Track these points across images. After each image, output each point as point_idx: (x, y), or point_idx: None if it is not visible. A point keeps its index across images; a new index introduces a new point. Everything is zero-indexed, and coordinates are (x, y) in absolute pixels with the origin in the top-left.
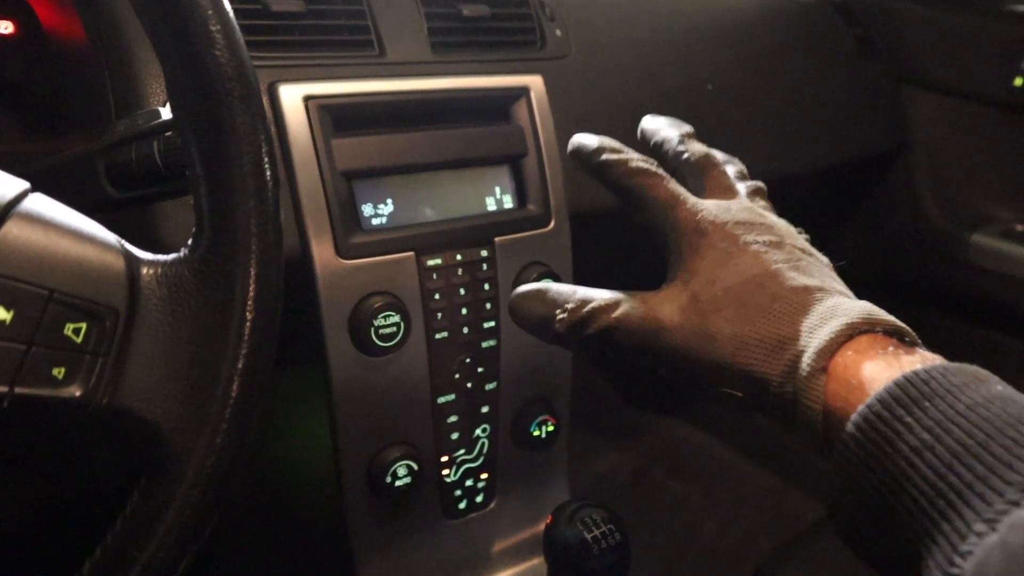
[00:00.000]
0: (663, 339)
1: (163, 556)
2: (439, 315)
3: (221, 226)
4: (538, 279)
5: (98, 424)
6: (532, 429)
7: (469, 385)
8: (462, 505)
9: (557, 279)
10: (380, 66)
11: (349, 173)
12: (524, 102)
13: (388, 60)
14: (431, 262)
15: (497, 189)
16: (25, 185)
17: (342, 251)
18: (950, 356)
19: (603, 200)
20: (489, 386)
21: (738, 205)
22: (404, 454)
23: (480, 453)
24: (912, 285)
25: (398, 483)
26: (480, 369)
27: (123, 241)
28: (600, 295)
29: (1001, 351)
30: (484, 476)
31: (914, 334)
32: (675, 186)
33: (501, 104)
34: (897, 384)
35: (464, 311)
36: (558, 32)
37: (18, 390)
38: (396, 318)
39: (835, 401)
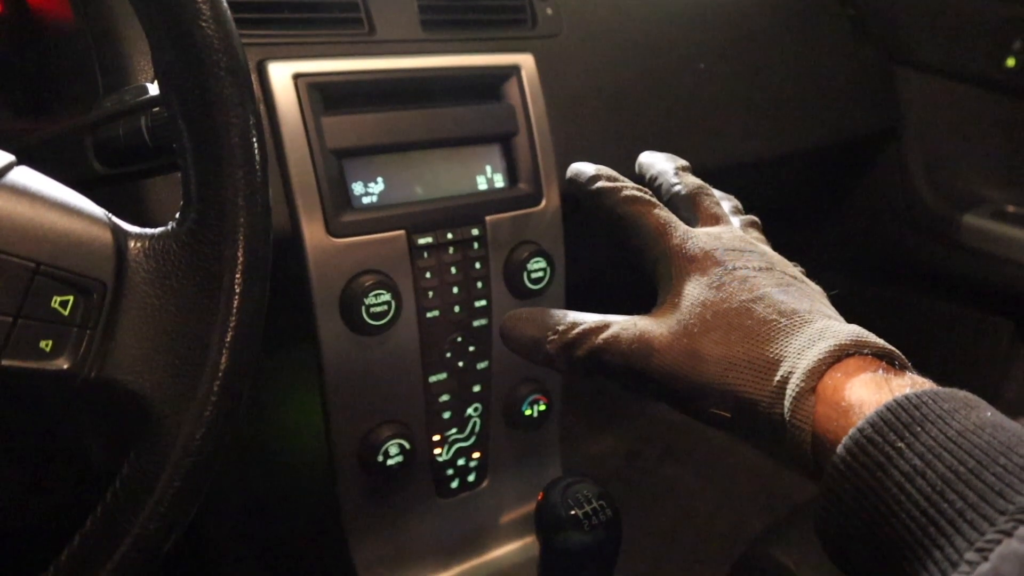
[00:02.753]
0: (652, 361)
1: (153, 527)
2: (430, 294)
3: (208, 199)
4: (529, 258)
5: (86, 397)
6: (524, 408)
7: (461, 364)
8: (454, 484)
9: (548, 258)
10: (370, 44)
11: (339, 151)
12: (515, 81)
13: (378, 38)
14: (422, 240)
15: (488, 168)
16: (10, 158)
17: (332, 229)
18: (942, 336)
19: None
20: (481, 365)
21: (729, 234)
22: (396, 433)
23: (472, 432)
24: (904, 266)
25: (390, 462)
26: (472, 348)
27: (110, 214)
28: (590, 317)
29: (992, 331)
30: (476, 455)
31: (903, 357)
32: (667, 214)
33: (492, 83)
34: (888, 408)
35: (455, 290)
36: (549, 11)
37: (5, 362)
38: (387, 296)
39: (824, 423)
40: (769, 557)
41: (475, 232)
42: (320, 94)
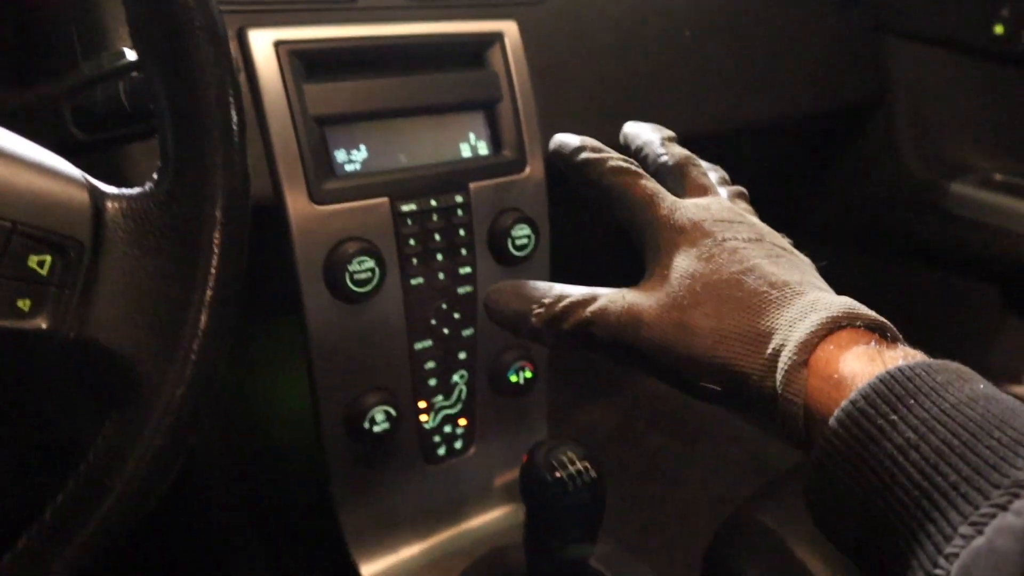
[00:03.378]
0: (641, 334)
1: (136, 486)
2: (414, 261)
3: (186, 159)
4: (513, 225)
5: (66, 359)
6: (510, 375)
7: (446, 331)
8: (441, 451)
9: (533, 225)
10: (352, 11)
11: (321, 119)
12: (498, 47)
13: (360, 5)
14: (405, 207)
15: (471, 135)
16: None
17: (315, 197)
18: (930, 305)
19: None
20: (466, 332)
21: (718, 205)
22: (382, 400)
23: (458, 399)
24: (892, 235)
25: (376, 428)
26: (457, 315)
27: (87, 175)
28: (577, 290)
29: (980, 299)
30: (462, 422)
31: (895, 329)
32: (654, 185)
33: (475, 50)
34: (881, 380)
35: (439, 257)
36: None
37: None
38: (371, 263)
39: (817, 396)
40: (754, 520)
41: (459, 199)
42: (301, 62)
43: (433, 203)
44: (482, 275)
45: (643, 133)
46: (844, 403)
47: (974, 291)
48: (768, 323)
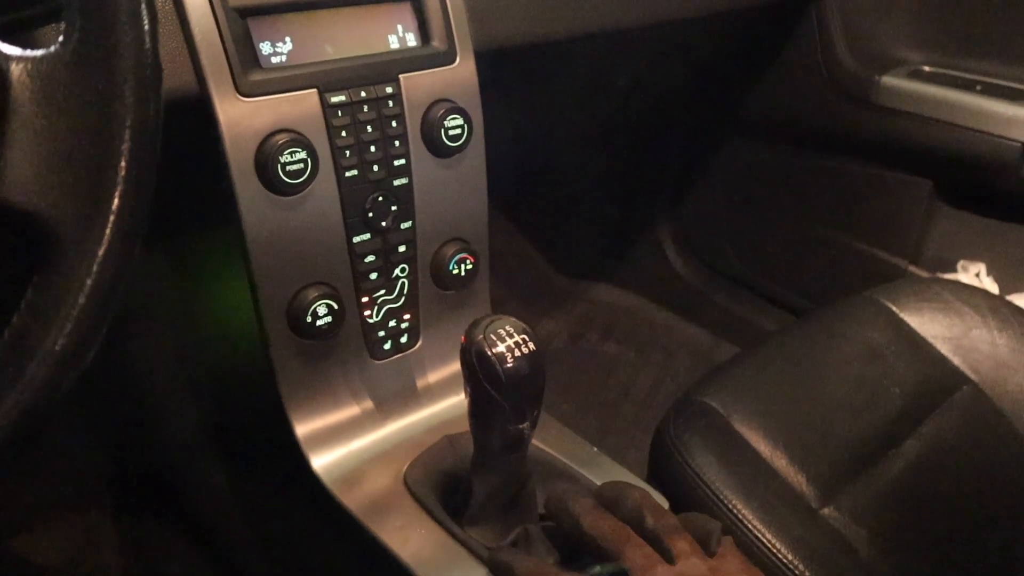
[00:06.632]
0: None
1: (61, 346)
2: (347, 153)
3: (92, 17)
4: (445, 116)
5: None
6: (451, 268)
7: (384, 224)
8: (387, 346)
9: (466, 115)
10: None
11: (242, 9)
12: None
13: None
14: (335, 99)
15: (399, 27)
16: None
17: (242, 89)
18: (864, 198)
19: (509, 35)
20: (404, 225)
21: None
22: (323, 294)
23: (401, 293)
24: (826, 130)
25: (319, 322)
26: (394, 208)
27: None
28: None
29: (912, 191)
30: (407, 317)
31: None
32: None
33: None
34: None
35: (373, 149)
36: None
37: None
38: (302, 154)
39: None
40: (699, 402)
41: (389, 90)
42: None
43: (363, 94)
44: (417, 166)
45: (619, 492)
46: None
47: (906, 183)
48: None
